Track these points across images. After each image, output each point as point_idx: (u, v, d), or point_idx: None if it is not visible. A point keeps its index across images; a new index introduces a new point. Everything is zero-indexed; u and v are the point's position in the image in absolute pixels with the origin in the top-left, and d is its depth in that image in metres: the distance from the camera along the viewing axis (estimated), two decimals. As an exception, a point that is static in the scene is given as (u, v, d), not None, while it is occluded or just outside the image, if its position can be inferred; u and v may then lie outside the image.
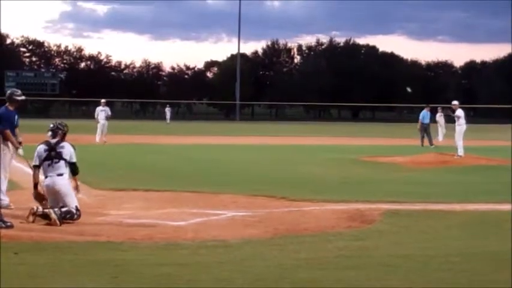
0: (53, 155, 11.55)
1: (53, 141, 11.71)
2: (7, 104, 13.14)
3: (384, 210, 12.60)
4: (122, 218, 11.74)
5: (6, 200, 12.52)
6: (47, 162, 11.55)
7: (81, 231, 10.36)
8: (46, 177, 11.53)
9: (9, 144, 12.91)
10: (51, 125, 11.98)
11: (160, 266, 8.10)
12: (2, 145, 12.66)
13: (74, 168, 11.69)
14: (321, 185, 17.06)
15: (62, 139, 11.83)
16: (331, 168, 21.78)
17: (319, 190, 15.75)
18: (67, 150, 11.64)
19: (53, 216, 10.84)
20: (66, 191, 11.41)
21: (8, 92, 13.39)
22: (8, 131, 12.68)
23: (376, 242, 9.75)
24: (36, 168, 11.68)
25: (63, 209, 11.11)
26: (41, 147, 11.71)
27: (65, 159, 11.55)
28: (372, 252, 9.03)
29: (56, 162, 11.51)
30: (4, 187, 12.75)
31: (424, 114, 35.04)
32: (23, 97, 13.39)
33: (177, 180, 17.76)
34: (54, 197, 11.38)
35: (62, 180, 11.48)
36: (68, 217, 11.07)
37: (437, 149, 30.51)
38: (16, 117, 13.16)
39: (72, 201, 11.37)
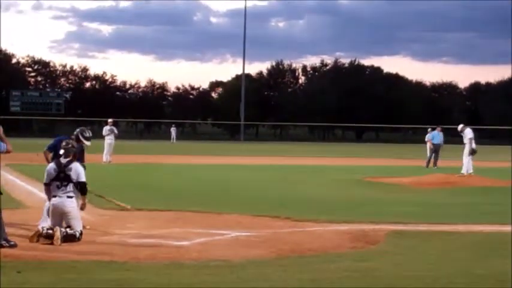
0: (61, 176, 11.49)
1: (64, 161, 11.61)
2: (72, 136, 13.00)
3: (388, 231, 12.60)
4: (126, 237, 11.76)
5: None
6: (56, 183, 11.49)
7: (84, 250, 10.37)
8: (55, 196, 11.47)
9: None
10: (64, 143, 11.87)
11: (163, 286, 8.10)
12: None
13: (82, 188, 11.61)
14: (325, 206, 17.04)
15: (74, 159, 11.76)
16: (335, 189, 21.77)
17: (323, 210, 15.74)
18: (74, 171, 11.53)
19: (58, 234, 10.84)
20: (75, 215, 11.40)
21: (78, 129, 13.20)
22: (48, 153, 12.63)
23: (380, 263, 9.74)
24: (46, 185, 11.65)
25: (69, 231, 11.11)
26: (51, 166, 11.66)
27: (73, 182, 11.50)
28: (376, 273, 9.01)
29: (65, 185, 11.46)
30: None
31: (434, 135, 35.25)
32: (89, 143, 13.20)
33: (181, 200, 17.76)
34: (59, 217, 11.35)
35: (71, 203, 11.45)
36: (71, 239, 11.09)
37: (440, 170, 30.45)
38: None
39: (79, 225, 11.39)
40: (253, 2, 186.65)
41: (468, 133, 27.51)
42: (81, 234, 11.32)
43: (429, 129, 40.95)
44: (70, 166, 11.55)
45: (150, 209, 15.52)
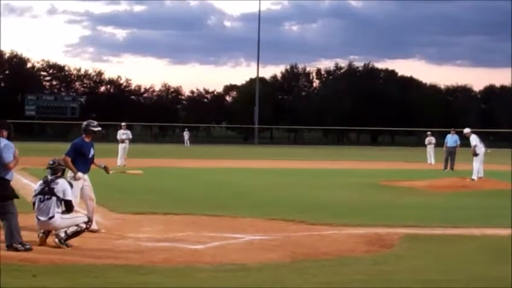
0: (46, 190, 11.22)
1: (51, 177, 11.43)
2: (83, 135, 13.23)
3: (402, 235, 12.57)
4: (141, 241, 11.78)
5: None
6: (39, 197, 11.24)
7: (100, 254, 10.40)
8: (37, 217, 11.20)
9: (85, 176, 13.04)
10: (51, 162, 11.64)
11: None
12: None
13: (67, 206, 11.29)
14: (340, 209, 17.02)
15: (61, 176, 11.59)
16: (350, 192, 21.71)
17: (337, 214, 15.74)
18: (60, 186, 11.27)
19: (57, 242, 10.91)
20: (65, 225, 11.14)
21: (85, 123, 13.42)
22: (68, 158, 12.68)
23: (395, 267, 9.71)
24: (34, 205, 11.45)
25: (70, 231, 11.09)
26: (38, 183, 11.54)
27: (57, 196, 11.17)
28: (391, 277, 8.99)
29: (48, 199, 11.16)
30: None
31: (448, 138, 35.24)
32: (99, 128, 13.47)
33: (195, 203, 17.78)
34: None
35: (55, 223, 11.11)
36: (75, 235, 11.15)
37: (456, 173, 30.38)
38: (91, 149, 13.23)
39: (76, 221, 11.28)
40: (267, 5, 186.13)
41: (472, 140, 27.33)
42: (87, 222, 11.39)
43: (428, 133, 42.03)
44: (56, 181, 11.34)
45: (165, 212, 15.55)
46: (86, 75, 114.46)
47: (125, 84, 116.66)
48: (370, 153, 61.08)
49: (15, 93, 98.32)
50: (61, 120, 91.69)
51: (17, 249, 10.31)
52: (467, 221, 14.79)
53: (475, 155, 26.72)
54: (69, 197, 11.35)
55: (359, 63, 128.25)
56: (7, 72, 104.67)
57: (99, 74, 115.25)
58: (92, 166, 13.39)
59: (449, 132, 36.03)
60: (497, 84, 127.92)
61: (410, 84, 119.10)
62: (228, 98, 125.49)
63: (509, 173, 29.67)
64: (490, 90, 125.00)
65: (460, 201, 19.52)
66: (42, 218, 11.16)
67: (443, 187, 23.49)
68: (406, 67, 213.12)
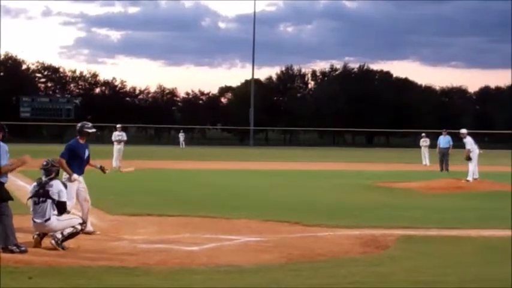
0: (40, 192, 11.17)
1: (45, 179, 11.36)
2: (78, 137, 13.23)
3: (398, 236, 12.57)
4: (136, 242, 11.76)
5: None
6: (33, 199, 11.19)
7: (95, 256, 10.39)
8: (33, 219, 11.17)
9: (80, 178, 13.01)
10: (44, 163, 11.55)
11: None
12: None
13: (61, 208, 11.21)
14: (335, 211, 17.02)
15: (55, 177, 11.51)
16: (345, 194, 21.73)
17: (333, 215, 15.73)
18: (55, 188, 11.21)
19: (54, 244, 10.89)
20: (61, 226, 11.11)
21: (79, 124, 13.43)
22: (63, 160, 12.65)
23: (391, 268, 9.71)
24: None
25: (66, 232, 11.07)
26: (33, 185, 11.50)
27: (52, 198, 11.12)
28: (386, 278, 8.99)
29: (43, 202, 11.11)
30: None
31: (440, 139, 35.24)
32: (94, 130, 13.50)
33: (190, 205, 17.77)
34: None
35: (51, 225, 11.08)
36: (71, 237, 11.14)
37: (451, 174, 30.39)
38: (86, 150, 13.21)
39: (72, 222, 11.26)
40: (262, 7, 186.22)
41: (467, 144, 27.30)
42: (81, 224, 11.38)
43: (423, 134, 42.39)
44: (51, 183, 11.28)
45: (160, 214, 15.55)
46: (81, 76, 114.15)
47: (119, 85, 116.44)
48: (365, 155, 61.11)
49: (10, 95, 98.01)
50: (56, 122, 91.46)
51: (12, 251, 10.29)
52: (463, 222, 14.81)
53: (469, 159, 26.74)
54: (63, 199, 11.33)
55: (354, 65, 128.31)
56: (2, 74, 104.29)
57: (94, 75, 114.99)
58: (88, 167, 13.40)
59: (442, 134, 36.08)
60: (492, 85, 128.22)
61: (405, 85, 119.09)
62: (223, 100, 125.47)
63: (504, 174, 29.72)
64: (485, 91, 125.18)
65: (456, 203, 19.53)
66: (38, 220, 11.14)
67: (438, 188, 23.52)
68: (401, 68, 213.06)
